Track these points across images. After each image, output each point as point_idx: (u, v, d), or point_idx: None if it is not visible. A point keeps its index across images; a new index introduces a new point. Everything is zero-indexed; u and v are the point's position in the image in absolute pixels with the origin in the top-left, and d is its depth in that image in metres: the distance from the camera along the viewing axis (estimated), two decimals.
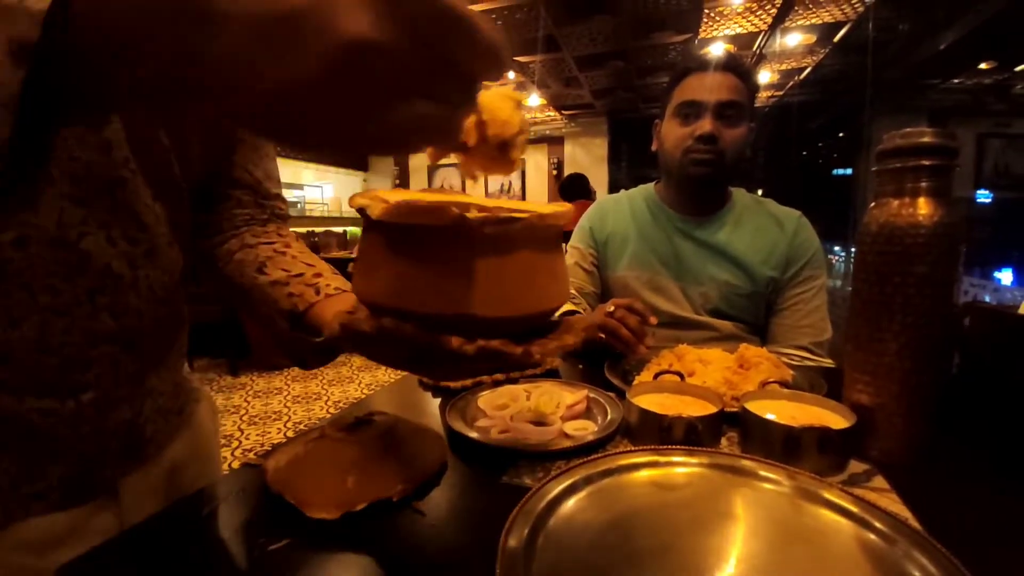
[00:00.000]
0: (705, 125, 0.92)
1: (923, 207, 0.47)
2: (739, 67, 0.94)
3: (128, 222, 0.38)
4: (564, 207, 0.34)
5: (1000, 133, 5.19)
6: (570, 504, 0.42)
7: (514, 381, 0.71)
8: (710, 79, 0.92)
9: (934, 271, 0.47)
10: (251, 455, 2.19)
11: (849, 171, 5.96)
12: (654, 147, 1.04)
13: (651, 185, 1.09)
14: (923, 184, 0.47)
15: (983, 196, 5.22)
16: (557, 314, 0.39)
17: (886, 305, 0.48)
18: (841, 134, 6.09)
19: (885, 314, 0.49)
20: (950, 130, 0.47)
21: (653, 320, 0.79)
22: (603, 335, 0.78)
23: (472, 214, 0.28)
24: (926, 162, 0.47)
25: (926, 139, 0.47)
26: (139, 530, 0.43)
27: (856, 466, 0.49)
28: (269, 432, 2.47)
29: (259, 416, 2.67)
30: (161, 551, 0.41)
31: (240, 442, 2.37)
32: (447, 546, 0.40)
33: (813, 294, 0.96)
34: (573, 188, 3.92)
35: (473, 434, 0.55)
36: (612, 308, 0.79)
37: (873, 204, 0.51)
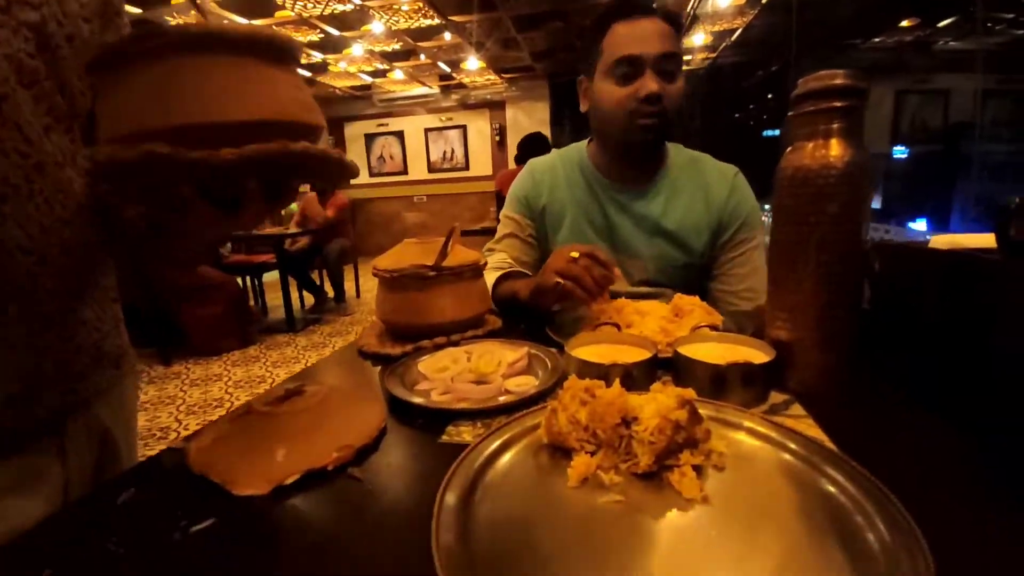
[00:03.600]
0: (650, 84, 0.82)
1: (835, 149, 0.49)
2: (668, 13, 0.86)
3: (15, 135, 0.42)
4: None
5: (918, 89, 5.55)
6: (508, 456, 0.43)
7: (456, 344, 0.70)
8: (640, 28, 0.83)
9: (845, 210, 0.49)
10: None
11: (777, 132, 6.25)
12: (583, 108, 0.96)
13: (583, 145, 1.02)
14: (835, 126, 0.49)
15: (899, 152, 5.62)
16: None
17: (802, 244, 0.51)
18: (770, 95, 6.34)
19: (801, 253, 0.51)
20: (859, 72, 0.48)
21: (617, 272, 0.75)
22: (561, 279, 0.72)
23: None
24: (837, 103, 0.49)
25: (838, 81, 0.49)
26: (48, 523, 0.40)
27: (776, 397, 0.52)
28: (211, 420, 2.36)
29: (198, 405, 2.53)
30: (73, 541, 0.37)
31: (179, 433, 2.25)
32: (386, 509, 0.39)
33: (748, 256, 0.93)
34: (533, 149, 3.70)
35: (413, 398, 0.54)
36: (576, 255, 0.73)
37: (789, 148, 0.52)
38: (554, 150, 1.07)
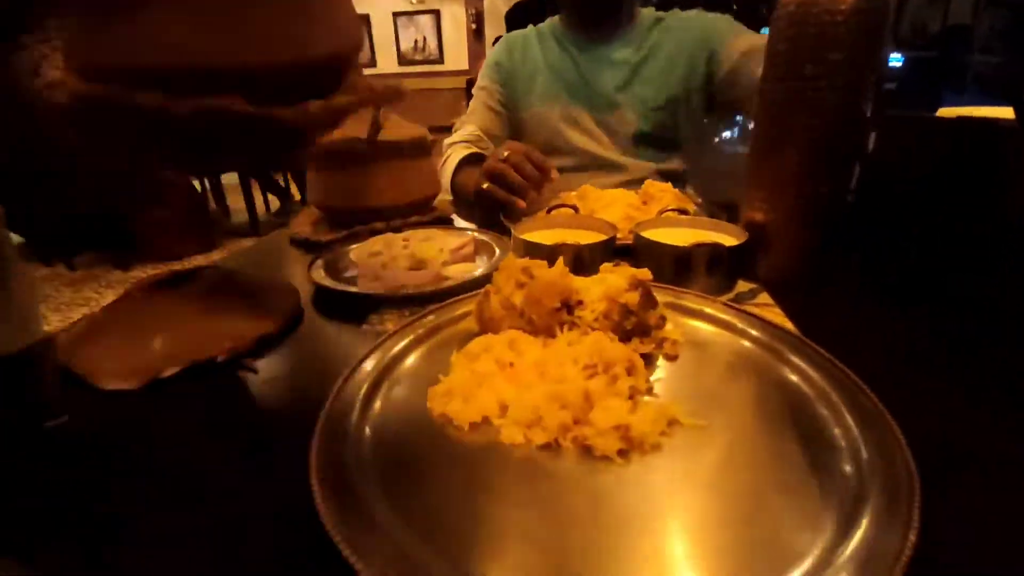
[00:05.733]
0: None
1: None
2: None
3: None
4: None
5: None
6: (429, 346, 0.37)
7: (396, 230, 0.62)
8: None
9: (851, 59, 0.40)
10: None
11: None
12: None
13: (556, 18, 0.98)
14: None
15: (895, 59, 5.27)
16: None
17: (792, 103, 0.42)
18: None
19: (789, 114, 0.43)
20: None
21: (554, 175, 0.70)
22: (488, 183, 0.67)
23: None
24: None
25: None
26: None
27: (743, 286, 0.46)
28: None
29: None
30: None
31: None
32: (282, 404, 0.34)
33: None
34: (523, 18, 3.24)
35: (333, 283, 0.47)
36: (507, 153, 0.68)
37: None
38: (529, 25, 1.02)
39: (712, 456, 0.25)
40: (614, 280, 0.35)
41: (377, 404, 0.30)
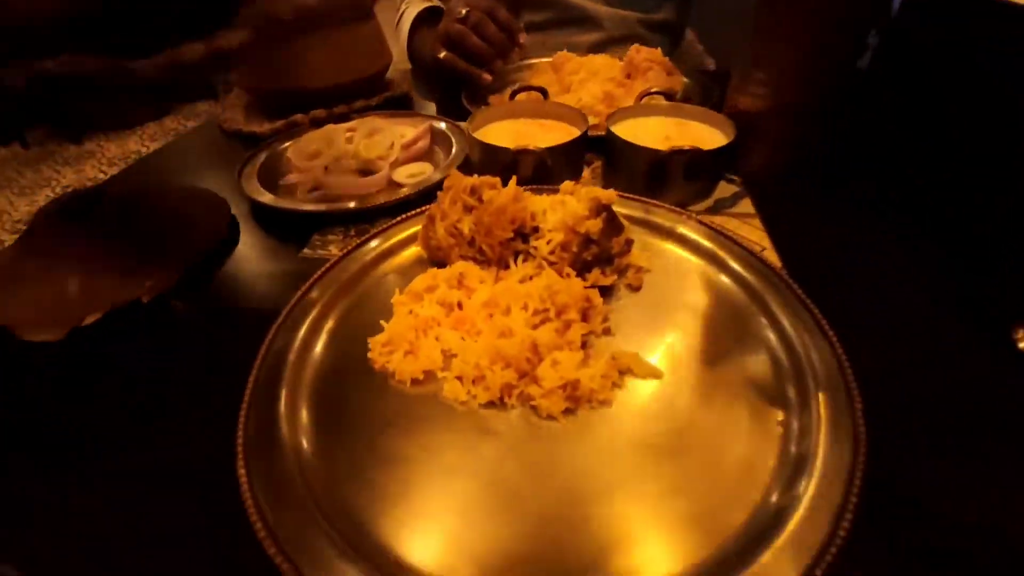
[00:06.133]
0: None
1: None
2: None
3: None
4: None
5: None
6: (375, 277, 0.34)
7: (344, 117, 0.54)
8: None
9: None
10: None
11: None
12: None
13: None
14: None
15: None
16: None
17: None
18: None
19: None
20: None
21: (522, 38, 0.59)
22: (446, 51, 0.57)
23: None
24: None
25: None
26: None
27: (725, 189, 0.42)
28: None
29: None
30: None
31: None
32: (219, 346, 0.32)
33: None
34: None
35: (265, 197, 0.42)
36: (465, 11, 0.57)
37: None
38: None
39: (662, 416, 0.25)
40: (573, 205, 0.31)
41: (315, 358, 0.28)
